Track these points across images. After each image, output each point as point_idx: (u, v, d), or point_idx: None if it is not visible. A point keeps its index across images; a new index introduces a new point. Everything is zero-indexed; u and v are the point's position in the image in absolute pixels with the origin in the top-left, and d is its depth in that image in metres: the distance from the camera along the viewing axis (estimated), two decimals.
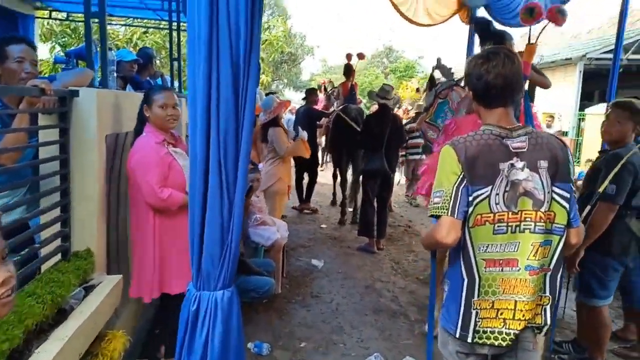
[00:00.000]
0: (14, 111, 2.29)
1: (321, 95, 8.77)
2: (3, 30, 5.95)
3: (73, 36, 12.56)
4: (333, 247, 5.84)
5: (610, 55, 13.73)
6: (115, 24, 12.78)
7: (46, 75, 3.69)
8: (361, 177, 6.05)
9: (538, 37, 2.91)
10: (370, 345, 3.46)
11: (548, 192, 1.68)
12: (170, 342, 2.46)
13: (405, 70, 30.52)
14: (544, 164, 1.68)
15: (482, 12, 7.84)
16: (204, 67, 1.73)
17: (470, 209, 1.68)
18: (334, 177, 7.86)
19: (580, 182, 3.33)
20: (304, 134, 5.22)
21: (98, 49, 3.01)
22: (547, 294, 1.74)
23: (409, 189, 8.57)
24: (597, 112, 11.23)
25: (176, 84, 5.99)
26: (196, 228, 1.82)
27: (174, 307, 2.70)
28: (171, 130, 2.81)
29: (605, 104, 11.52)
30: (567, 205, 1.71)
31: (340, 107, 7.19)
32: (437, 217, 1.72)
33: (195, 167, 1.78)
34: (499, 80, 1.69)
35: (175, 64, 6.03)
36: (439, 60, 4.18)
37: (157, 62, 11.79)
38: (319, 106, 8.13)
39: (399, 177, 8.07)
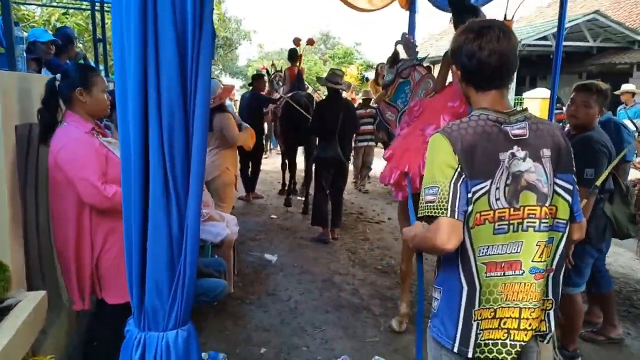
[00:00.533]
0: None
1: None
2: None
3: None
4: (286, 238, 5.51)
5: (543, 42, 14.31)
6: (31, 4, 11.54)
7: None
8: (314, 165, 5.73)
9: (515, 13, 2.72)
10: (335, 346, 3.18)
11: (551, 185, 1.47)
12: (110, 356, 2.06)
13: (344, 57, 30.49)
14: (546, 152, 1.47)
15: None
16: (136, 43, 1.34)
17: (470, 208, 1.43)
18: (283, 166, 7.54)
19: None
20: (246, 125, 4.84)
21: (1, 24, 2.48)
22: (550, 297, 1.55)
23: (358, 177, 8.37)
24: (534, 96, 11.64)
25: (102, 67, 5.37)
26: (135, 249, 1.41)
27: (111, 317, 2.31)
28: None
29: (541, 89, 11.92)
30: (569, 199, 1.51)
31: (289, 93, 6.88)
32: (430, 217, 1.45)
33: (128, 169, 1.37)
34: (494, 58, 1.45)
35: (100, 46, 5.38)
36: (403, 34, 3.88)
37: (80, 45, 10.74)
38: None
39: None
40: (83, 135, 2.21)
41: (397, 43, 3.93)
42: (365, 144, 7.88)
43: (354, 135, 7.55)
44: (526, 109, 1.55)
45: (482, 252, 1.46)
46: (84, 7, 8.73)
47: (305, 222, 5.99)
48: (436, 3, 6.98)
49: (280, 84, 7.63)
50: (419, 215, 1.51)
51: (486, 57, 1.45)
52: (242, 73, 35.09)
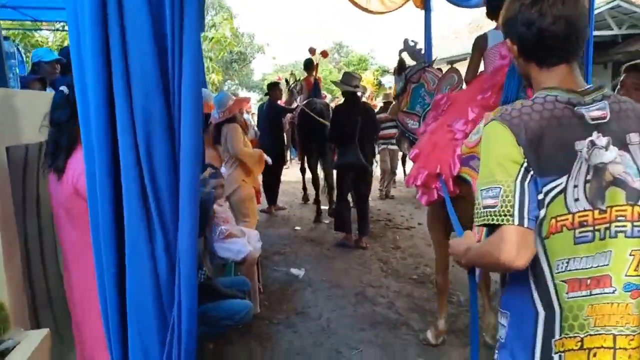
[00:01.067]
0: None
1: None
2: None
3: None
4: (312, 251, 5.21)
5: None
6: (41, 29, 11.62)
7: None
8: (335, 172, 5.46)
9: None
10: None
11: None
12: None
13: (358, 64, 30.29)
14: (634, 137, 1.16)
15: None
16: (93, 27, 1.07)
17: (542, 212, 1.13)
18: (302, 172, 7.35)
19: None
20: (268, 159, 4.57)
21: None
22: None
23: (384, 183, 8.01)
24: None
25: None
26: (110, 295, 1.10)
27: None
28: None
29: None
30: None
31: (305, 101, 6.70)
32: (492, 226, 1.15)
33: (93, 186, 1.08)
34: (560, 25, 1.17)
35: None
36: (406, 41, 3.66)
37: None
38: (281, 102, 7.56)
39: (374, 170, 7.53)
40: None
41: (400, 51, 3.72)
42: (390, 147, 7.56)
43: (376, 139, 7.30)
44: (603, 86, 1.23)
45: (561, 267, 1.16)
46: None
47: (331, 232, 5.69)
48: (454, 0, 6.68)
49: (299, 93, 7.47)
50: (476, 224, 1.20)
51: (549, 25, 1.17)
52: (258, 87, 35.24)
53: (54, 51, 4.65)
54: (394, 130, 7.45)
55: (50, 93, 2.20)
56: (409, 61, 3.72)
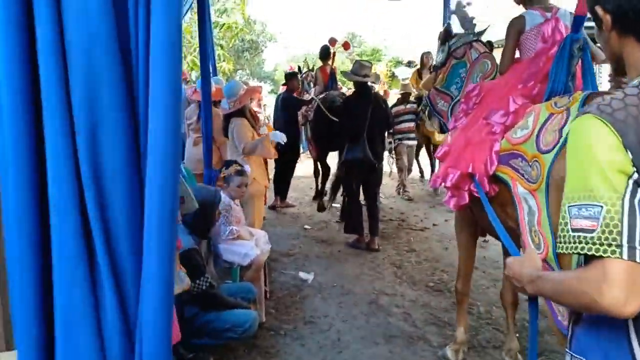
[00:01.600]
0: None
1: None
2: None
3: None
4: (322, 252, 4.95)
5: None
6: None
7: None
8: (343, 169, 5.16)
9: None
10: None
11: None
12: None
13: (372, 54, 29.74)
14: None
15: None
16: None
17: None
18: (316, 173, 7.02)
19: None
20: (277, 136, 4.27)
21: None
22: None
23: (402, 181, 7.62)
24: None
25: None
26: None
27: None
28: None
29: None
30: None
31: (321, 94, 6.35)
32: (591, 257, 0.88)
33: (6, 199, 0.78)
34: None
35: None
36: (459, 3, 3.23)
37: None
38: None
39: (388, 168, 7.20)
40: None
41: (450, 14, 3.29)
42: (407, 142, 7.21)
43: (390, 133, 6.95)
44: None
45: None
46: None
47: (343, 231, 5.41)
48: None
49: (312, 85, 7.11)
50: (562, 251, 0.93)
51: None
52: (270, 77, 34.87)
53: None
54: (411, 124, 7.13)
55: None
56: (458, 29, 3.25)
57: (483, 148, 2.20)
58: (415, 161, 8.23)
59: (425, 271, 4.40)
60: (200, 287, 2.65)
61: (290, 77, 6.67)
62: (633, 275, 0.83)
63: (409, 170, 7.69)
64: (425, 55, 7.48)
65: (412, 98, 7.15)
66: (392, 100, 8.75)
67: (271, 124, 6.74)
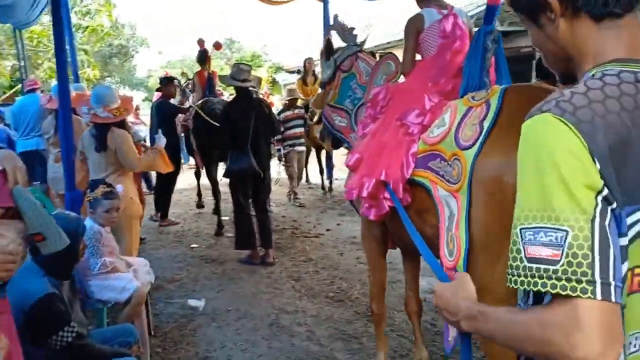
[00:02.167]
0: None
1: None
2: None
3: None
4: (213, 273, 4.52)
5: None
6: None
7: None
8: (228, 180, 4.82)
9: None
10: None
11: None
12: None
13: (251, 60, 29.43)
14: None
15: None
16: None
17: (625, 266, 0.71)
18: (197, 176, 6.70)
19: None
20: (162, 140, 3.83)
21: None
22: None
23: (293, 188, 7.41)
24: None
25: None
26: None
27: None
28: None
29: None
30: None
31: (199, 100, 5.96)
32: (555, 295, 0.70)
33: None
34: None
35: None
36: (335, 17, 3.12)
37: None
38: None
39: (277, 176, 6.95)
40: None
41: (329, 29, 3.17)
42: (297, 148, 7.06)
43: (279, 140, 6.78)
44: None
45: (635, 345, 0.75)
46: None
47: (234, 247, 5.03)
48: None
49: (191, 91, 6.66)
50: (513, 285, 0.74)
51: None
52: (143, 84, 32.72)
53: None
54: (301, 129, 6.99)
55: None
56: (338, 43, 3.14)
57: (399, 151, 2.03)
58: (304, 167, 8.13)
59: (323, 281, 4.23)
60: (66, 340, 2.13)
61: (165, 82, 6.20)
62: (610, 319, 0.67)
63: (299, 178, 7.54)
64: (308, 61, 7.57)
65: (299, 103, 7.03)
66: (276, 107, 8.60)
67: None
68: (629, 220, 0.70)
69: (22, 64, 8.01)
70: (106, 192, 2.86)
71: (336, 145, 3.29)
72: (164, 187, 6.11)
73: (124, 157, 3.39)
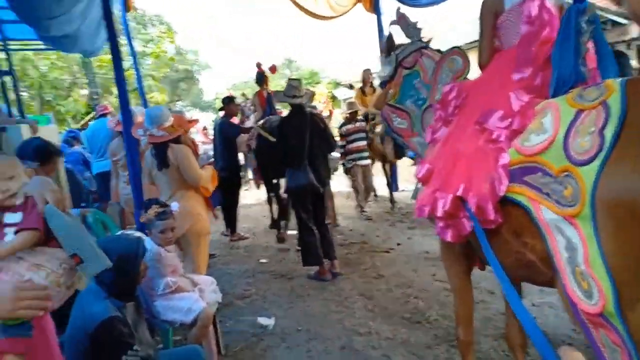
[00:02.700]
0: None
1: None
2: None
3: None
4: (282, 290, 4.39)
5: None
6: None
7: None
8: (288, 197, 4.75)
9: None
10: None
11: None
12: None
13: (310, 77, 29.79)
14: None
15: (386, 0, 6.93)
16: None
17: None
18: (269, 200, 6.62)
19: None
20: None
21: None
22: None
23: (361, 201, 7.17)
24: None
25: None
26: None
27: None
28: None
29: None
30: None
31: (261, 120, 6.06)
32: None
33: None
34: None
35: None
36: (398, 11, 2.87)
37: None
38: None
39: (344, 188, 6.79)
40: None
41: (391, 23, 2.94)
42: (360, 162, 6.84)
43: (342, 154, 6.71)
44: None
45: None
46: None
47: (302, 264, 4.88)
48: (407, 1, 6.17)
49: (251, 111, 6.75)
50: None
51: None
52: (211, 107, 34.19)
53: None
54: (363, 142, 6.77)
55: None
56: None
57: (485, 162, 1.72)
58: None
59: (397, 300, 3.95)
60: None
61: (227, 101, 6.30)
62: None
63: (367, 191, 7.25)
64: (366, 72, 7.41)
65: (359, 116, 6.84)
66: (337, 120, 8.48)
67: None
68: None
69: (94, 90, 8.46)
70: (159, 212, 2.78)
71: (399, 155, 3.04)
72: (229, 202, 6.16)
73: (186, 172, 3.36)
